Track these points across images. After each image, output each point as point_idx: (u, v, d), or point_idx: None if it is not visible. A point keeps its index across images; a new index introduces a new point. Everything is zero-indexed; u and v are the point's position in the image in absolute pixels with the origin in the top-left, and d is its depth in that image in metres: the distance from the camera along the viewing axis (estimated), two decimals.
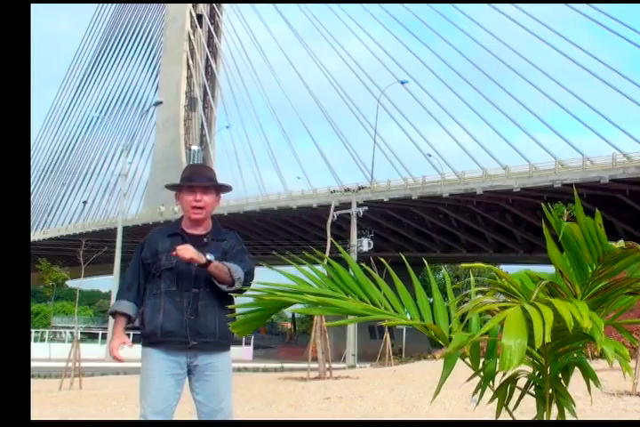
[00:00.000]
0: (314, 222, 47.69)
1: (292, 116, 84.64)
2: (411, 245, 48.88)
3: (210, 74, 69.97)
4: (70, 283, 57.17)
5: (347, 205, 40.39)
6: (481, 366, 2.15)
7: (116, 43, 78.01)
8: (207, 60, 69.77)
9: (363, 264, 2.37)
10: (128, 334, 3.91)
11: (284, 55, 57.00)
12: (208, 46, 69.59)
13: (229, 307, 3.35)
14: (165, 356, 3.75)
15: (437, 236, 47.78)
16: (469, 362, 2.14)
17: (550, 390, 2.10)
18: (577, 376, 2.16)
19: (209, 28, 69.70)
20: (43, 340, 52.38)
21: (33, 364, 18.48)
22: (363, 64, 52.15)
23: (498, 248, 45.84)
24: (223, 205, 51.99)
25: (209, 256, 3.70)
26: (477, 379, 2.17)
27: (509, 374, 2.12)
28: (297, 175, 59.08)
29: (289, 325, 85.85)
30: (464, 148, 44.09)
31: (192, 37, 69.95)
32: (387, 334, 25.60)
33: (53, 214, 79.60)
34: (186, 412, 5.05)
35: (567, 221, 1.97)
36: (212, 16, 70.35)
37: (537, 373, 2.14)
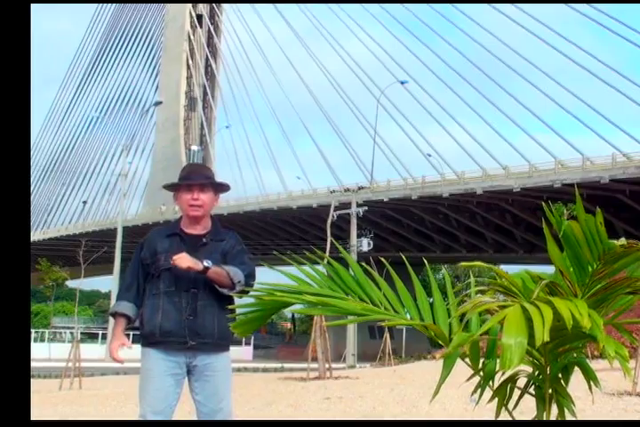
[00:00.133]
0: (314, 222, 47.69)
1: (291, 116, 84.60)
2: (410, 245, 48.88)
3: (210, 74, 69.97)
4: (70, 283, 57.13)
5: (346, 205, 40.39)
6: (480, 365, 2.15)
7: (116, 43, 78.10)
8: (207, 60, 69.77)
9: (363, 264, 2.37)
10: (128, 335, 3.91)
11: (284, 55, 57.08)
12: (208, 46, 69.59)
13: (229, 307, 3.35)
14: (164, 356, 3.75)
15: (437, 236, 47.78)
16: (469, 362, 2.14)
17: (550, 390, 2.10)
18: (577, 376, 2.16)
19: (209, 28, 69.71)
20: (43, 340, 52.39)
21: (33, 364, 18.49)
22: (362, 64, 52.20)
23: (498, 248, 45.85)
24: (223, 205, 52.01)
25: (206, 263, 3.69)
26: (477, 379, 2.17)
27: (509, 373, 2.12)
28: (297, 175, 59.07)
29: (289, 325, 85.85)
30: (464, 148, 44.14)
31: (192, 37, 69.95)
32: (387, 334, 25.60)
33: (53, 214, 79.67)
34: (185, 412, 5.05)
35: (567, 220, 1.97)
36: (212, 16, 70.36)
37: (537, 373, 2.14)
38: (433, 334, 2.16)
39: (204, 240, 3.85)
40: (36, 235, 66.81)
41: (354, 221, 41.21)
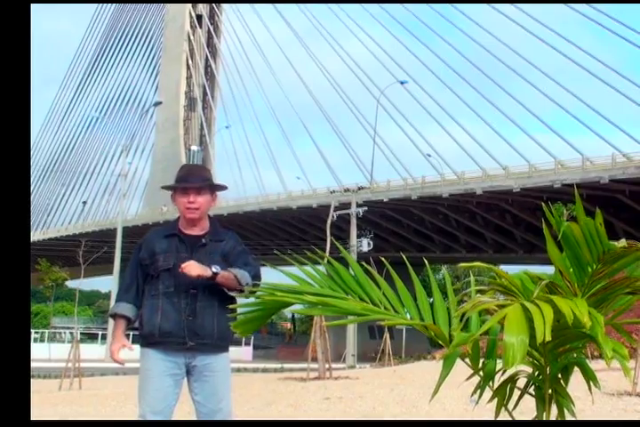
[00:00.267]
0: (313, 223, 47.69)
1: (291, 116, 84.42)
2: (410, 245, 48.87)
3: (209, 74, 69.97)
4: (70, 283, 57.07)
5: (346, 206, 40.39)
6: (480, 366, 2.15)
7: (116, 43, 78.10)
8: (207, 60, 69.76)
9: (363, 263, 2.38)
10: (128, 335, 3.91)
11: (284, 55, 57.05)
12: (208, 46, 69.60)
13: (230, 307, 3.34)
14: (164, 356, 3.74)
15: (437, 236, 47.79)
16: (469, 362, 2.14)
17: (550, 391, 2.10)
18: (577, 376, 2.16)
19: (208, 29, 69.72)
20: (42, 340, 52.37)
21: (33, 364, 18.47)
22: (362, 64, 52.21)
23: (497, 248, 45.85)
24: (223, 205, 52.03)
25: (214, 269, 3.68)
26: (477, 379, 2.17)
27: (509, 373, 2.12)
28: (297, 175, 59.05)
29: (289, 325, 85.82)
30: (464, 148, 44.14)
31: (192, 37, 69.95)
32: (386, 335, 25.58)
33: (53, 215, 79.65)
34: (185, 412, 5.05)
35: (567, 221, 1.97)
36: (212, 16, 70.37)
37: (536, 373, 2.14)
38: (433, 334, 2.16)
39: (204, 241, 3.84)
40: (35, 235, 66.79)
41: (354, 222, 41.21)
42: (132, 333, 4.02)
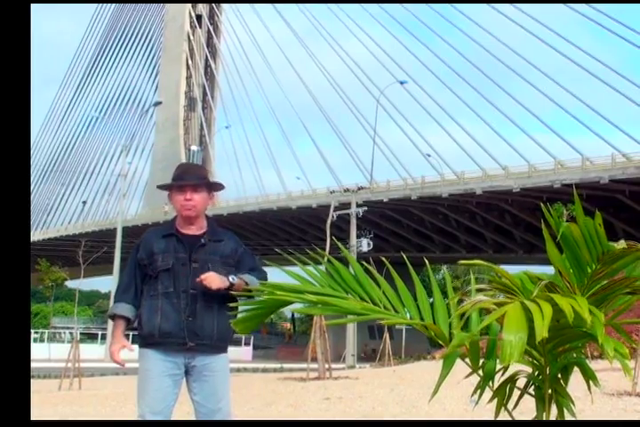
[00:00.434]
0: (313, 223, 47.69)
1: (291, 116, 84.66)
2: (410, 245, 48.88)
3: (209, 74, 69.97)
4: (70, 283, 57.10)
5: (346, 206, 40.39)
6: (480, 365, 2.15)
7: (116, 43, 78.13)
8: (207, 60, 69.76)
9: (363, 262, 2.38)
10: (127, 335, 3.90)
11: (284, 55, 57.06)
12: (207, 46, 69.60)
13: (231, 305, 3.34)
14: (163, 357, 3.74)
15: (437, 236, 47.78)
16: (469, 362, 2.14)
17: (550, 391, 2.10)
18: (576, 376, 2.16)
19: (208, 29, 69.72)
20: (42, 340, 52.35)
21: (32, 364, 18.46)
22: (362, 64, 52.20)
23: (497, 248, 45.85)
24: (223, 205, 52.07)
25: (231, 279, 3.69)
26: (477, 379, 2.17)
27: (509, 373, 2.12)
28: (296, 175, 59.08)
29: (288, 325, 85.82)
30: (463, 148, 44.14)
31: (191, 37, 69.96)
32: (386, 335, 25.57)
33: (53, 214, 79.66)
34: (184, 412, 5.05)
35: (567, 221, 1.97)
36: (212, 16, 70.37)
37: (536, 373, 2.14)
38: (433, 334, 2.16)
39: (203, 241, 3.83)
40: (35, 235, 66.77)
41: (353, 222, 41.21)
42: (131, 333, 4.01)
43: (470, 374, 2.17)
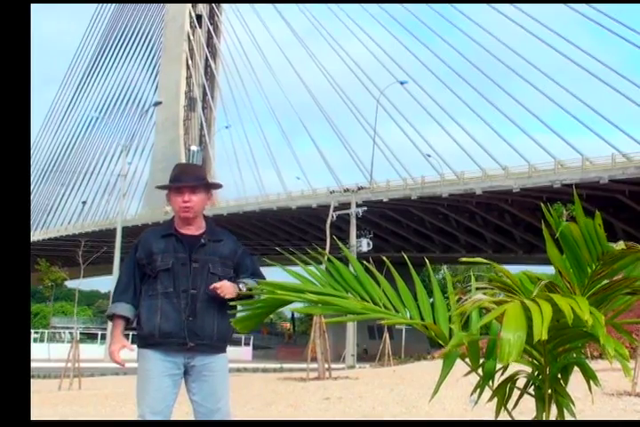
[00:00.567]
0: (313, 223, 47.70)
1: (291, 116, 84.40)
2: (410, 245, 48.88)
3: (209, 74, 69.95)
4: (69, 283, 57.12)
5: (346, 206, 40.39)
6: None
7: (116, 43, 78.11)
8: (207, 60, 69.75)
9: (364, 262, 2.38)
10: (127, 335, 3.90)
11: (284, 55, 57.07)
12: (207, 46, 69.59)
13: (232, 304, 3.35)
14: (163, 357, 3.74)
15: (437, 236, 47.79)
16: (469, 362, 2.14)
17: (550, 391, 2.10)
18: (577, 376, 2.16)
19: (208, 29, 69.71)
20: (42, 340, 52.34)
21: (32, 364, 18.46)
22: (362, 64, 52.21)
23: (497, 248, 45.86)
24: (223, 205, 52.07)
25: (242, 287, 3.70)
26: (477, 379, 2.17)
27: (508, 373, 2.12)
28: (296, 175, 59.10)
29: (288, 325, 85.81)
30: (463, 148, 44.17)
31: (191, 37, 69.95)
32: (386, 335, 25.57)
33: (53, 214, 79.63)
34: (183, 413, 5.05)
35: (566, 221, 1.97)
36: (212, 16, 70.37)
37: (536, 373, 2.14)
38: (433, 334, 2.16)
39: (202, 241, 3.83)
40: (35, 235, 66.77)
41: (353, 222, 41.21)
42: (131, 333, 4.01)
43: (469, 372, 2.17)
